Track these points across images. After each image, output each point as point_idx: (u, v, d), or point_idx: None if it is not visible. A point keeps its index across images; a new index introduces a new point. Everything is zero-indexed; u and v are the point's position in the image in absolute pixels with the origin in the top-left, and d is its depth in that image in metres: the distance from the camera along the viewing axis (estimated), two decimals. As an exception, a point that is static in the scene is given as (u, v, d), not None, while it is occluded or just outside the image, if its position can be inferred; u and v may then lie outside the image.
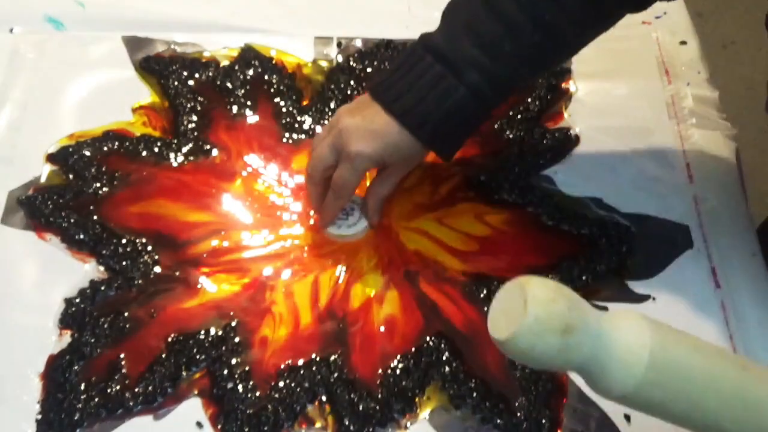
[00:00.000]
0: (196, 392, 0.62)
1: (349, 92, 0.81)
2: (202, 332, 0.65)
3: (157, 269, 0.68)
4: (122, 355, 0.63)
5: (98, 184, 0.73)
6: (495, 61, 0.63)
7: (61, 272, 0.68)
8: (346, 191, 0.66)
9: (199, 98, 0.79)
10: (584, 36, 0.65)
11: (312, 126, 0.78)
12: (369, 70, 0.82)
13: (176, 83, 0.80)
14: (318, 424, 0.61)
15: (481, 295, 0.68)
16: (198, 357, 0.64)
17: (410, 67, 0.64)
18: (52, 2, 0.85)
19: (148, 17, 0.85)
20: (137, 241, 0.69)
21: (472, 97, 0.63)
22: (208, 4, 0.87)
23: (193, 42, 0.84)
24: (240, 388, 0.62)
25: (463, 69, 0.63)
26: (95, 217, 0.71)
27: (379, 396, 0.62)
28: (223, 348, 0.64)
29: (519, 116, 0.79)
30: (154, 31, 0.84)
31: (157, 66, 0.81)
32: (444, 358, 0.64)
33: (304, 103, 0.80)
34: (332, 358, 0.64)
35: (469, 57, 0.62)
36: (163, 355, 0.63)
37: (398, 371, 0.63)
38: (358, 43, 0.85)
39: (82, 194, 0.72)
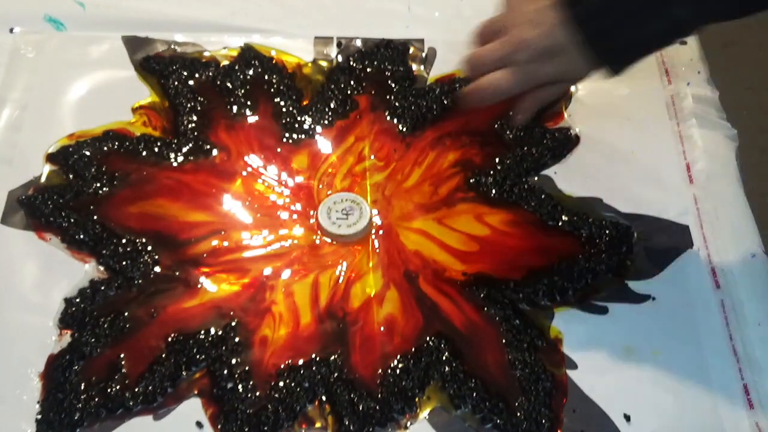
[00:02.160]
0: (196, 392, 0.62)
1: (349, 92, 0.81)
2: (202, 332, 0.65)
3: (157, 269, 0.68)
4: (122, 355, 0.63)
5: (98, 184, 0.73)
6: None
7: (62, 272, 0.68)
8: (501, 95, 0.64)
9: (199, 98, 0.79)
10: None
11: (312, 126, 0.78)
12: (369, 70, 0.82)
13: (176, 83, 0.80)
14: (318, 424, 0.61)
15: (481, 295, 0.68)
16: (198, 357, 0.64)
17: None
18: (52, 2, 0.85)
19: (148, 17, 0.85)
20: (137, 241, 0.69)
21: (670, 28, 0.60)
22: (208, 4, 0.87)
23: (193, 42, 0.84)
24: (240, 387, 0.62)
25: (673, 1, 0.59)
26: (95, 217, 0.71)
27: (379, 396, 0.62)
28: (223, 348, 0.64)
29: (519, 116, 0.79)
30: (154, 31, 0.84)
31: (157, 66, 0.81)
32: (444, 358, 0.64)
33: (305, 103, 0.80)
34: (332, 358, 0.64)
35: None
36: (163, 355, 0.63)
37: (398, 371, 0.63)
38: (358, 43, 0.85)
39: (82, 194, 0.72)
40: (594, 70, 0.63)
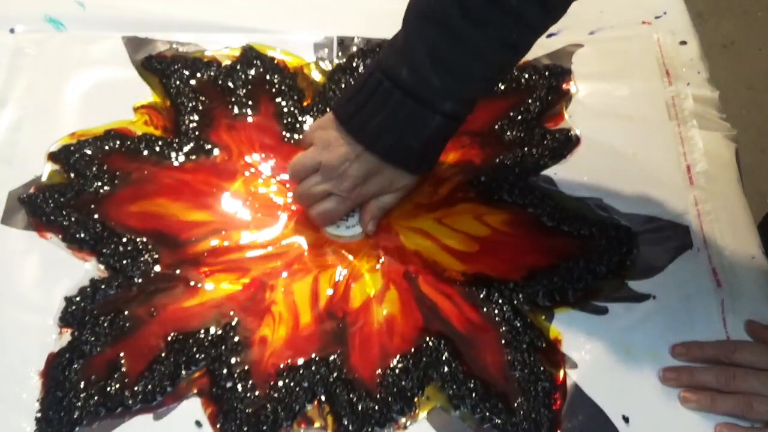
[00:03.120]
0: (195, 391, 0.62)
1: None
2: (202, 331, 0.65)
3: (157, 268, 0.68)
4: (122, 354, 0.63)
5: (99, 183, 0.73)
6: (466, 85, 0.65)
7: (62, 271, 0.68)
8: (335, 219, 0.70)
9: (201, 98, 0.79)
10: (541, 34, 0.65)
11: (312, 126, 0.78)
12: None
13: (178, 82, 0.80)
14: (317, 424, 0.61)
15: (481, 296, 0.68)
16: (197, 356, 0.64)
17: (381, 102, 0.65)
18: (52, 2, 0.85)
19: (148, 17, 0.85)
20: (138, 240, 0.70)
21: (448, 119, 0.66)
22: (209, 4, 0.87)
23: (193, 42, 0.84)
24: (239, 387, 0.62)
25: (436, 102, 0.64)
26: (96, 216, 0.71)
27: (378, 396, 0.62)
28: (223, 347, 0.64)
29: (519, 117, 0.79)
30: (154, 31, 0.84)
31: (158, 65, 0.81)
32: (443, 358, 0.64)
33: (306, 103, 0.80)
34: (331, 357, 0.64)
35: (440, 89, 0.64)
36: (163, 354, 0.63)
37: (397, 371, 0.63)
38: (359, 43, 0.85)
39: (83, 193, 0.72)
40: (415, 176, 0.70)
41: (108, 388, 0.62)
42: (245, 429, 0.60)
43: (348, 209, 0.70)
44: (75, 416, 0.60)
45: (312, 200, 0.70)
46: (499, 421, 0.61)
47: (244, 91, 0.80)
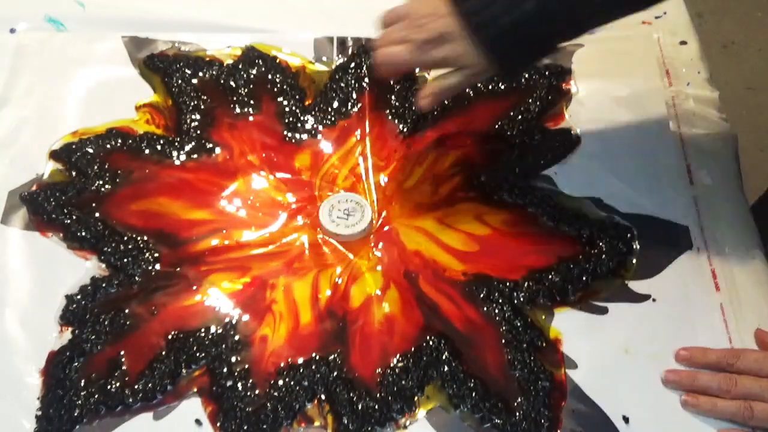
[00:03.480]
0: (195, 390, 0.62)
1: (350, 92, 0.81)
2: (202, 330, 0.65)
3: (158, 267, 0.69)
4: (122, 352, 0.63)
5: (101, 182, 0.73)
6: None
7: (63, 269, 0.68)
8: (397, 65, 0.68)
9: (203, 97, 0.80)
10: None
11: (314, 126, 0.78)
12: (370, 70, 0.82)
13: (180, 81, 0.80)
14: (317, 423, 0.61)
15: (481, 295, 0.68)
16: (198, 355, 0.64)
17: None
18: (52, 3, 0.85)
19: (148, 18, 0.85)
20: (138, 238, 0.70)
21: (541, 9, 0.62)
22: (209, 4, 0.87)
23: (193, 42, 0.84)
24: (239, 386, 0.62)
25: None
26: (97, 215, 0.71)
27: (378, 395, 0.62)
28: (223, 346, 0.64)
29: (520, 116, 0.79)
30: (154, 31, 0.84)
31: (161, 64, 0.81)
32: (443, 357, 0.64)
33: (307, 102, 0.81)
34: (332, 356, 0.64)
35: None
36: (163, 353, 0.64)
37: (397, 370, 0.64)
38: (360, 43, 0.85)
39: (85, 191, 0.72)
40: (486, 62, 0.65)
41: (108, 387, 0.62)
42: (245, 428, 0.60)
43: (412, 63, 0.68)
44: (75, 414, 0.60)
45: (386, 42, 0.68)
46: (498, 421, 0.62)
47: (246, 90, 0.80)
